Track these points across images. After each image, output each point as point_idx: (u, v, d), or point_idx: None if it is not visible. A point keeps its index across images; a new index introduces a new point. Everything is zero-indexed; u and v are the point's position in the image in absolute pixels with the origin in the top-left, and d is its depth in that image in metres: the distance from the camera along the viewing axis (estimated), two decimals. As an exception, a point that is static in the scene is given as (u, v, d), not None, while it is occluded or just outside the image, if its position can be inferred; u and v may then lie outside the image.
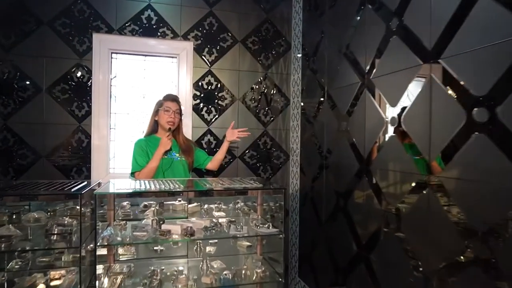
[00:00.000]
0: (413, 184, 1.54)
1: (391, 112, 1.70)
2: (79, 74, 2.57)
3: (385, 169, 1.75)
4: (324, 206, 2.42)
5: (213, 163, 2.56)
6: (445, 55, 1.36)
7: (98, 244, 1.62)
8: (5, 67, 2.44)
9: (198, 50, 2.80)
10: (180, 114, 2.43)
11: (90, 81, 2.58)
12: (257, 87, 2.95)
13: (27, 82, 2.47)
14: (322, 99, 2.46)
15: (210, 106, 2.84)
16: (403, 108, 1.61)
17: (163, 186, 1.87)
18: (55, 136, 2.53)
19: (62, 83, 2.54)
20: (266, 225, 1.95)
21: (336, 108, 2.26)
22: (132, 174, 2.33)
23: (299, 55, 2.86)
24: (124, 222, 1.95)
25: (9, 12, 2.43)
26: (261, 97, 2.96)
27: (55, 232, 1.65)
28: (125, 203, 2.19)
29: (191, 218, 2.07)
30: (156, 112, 2.38)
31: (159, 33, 2.71)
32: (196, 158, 2.51)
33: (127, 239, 1.75)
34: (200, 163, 2.55)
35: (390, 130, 1.71)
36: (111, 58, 2.66)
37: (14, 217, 2.06)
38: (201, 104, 2.82)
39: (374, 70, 1.85)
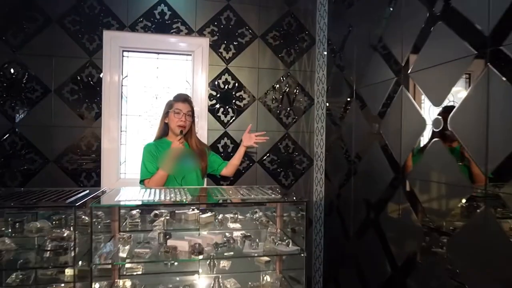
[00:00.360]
0: (463, 199, 1.27)
1: (433, 113, 1.43)
2: (88, 73, 2.43)
3: (426, 180, 1.47)
4: (352, 218, 2.15)
5: (228, 169, 2.34)
6: (509, 41, 1.08)
7: (93, 264, 1.44)
8: (13, 67, 2.33)
9: (214, 46, 2.61)
10: (193, 115, 2.23)
11: (100, 81, 2.44)
12: (278, 86, 2.72)
13: (36, 83, 2.36)
14: (349, 98, 2.20)
15: (227, 107, 2.64)
16: (450, 108, 1.34)
17: (172, 196, 1.68)
18: (64, 140, 2.41)
19: (72, 84, 2.41)
20: (286, 242, 1.72)
21: (366, 108, 2.00)
22: (142, 182, 2.15)
23: (325, 51, 2.61)
24: (128, 235, 1.77)
25: (18, 9, 2.32)
26: (283, 97, 2.73)
27: (48, 249, 1.49)
28: (134, 212, 2.01)
29: (203, 230, 1.87)
30: (166, 114, 2.18)
31: (173, 29, 2.53)
32: (210, 164, 2.31)
33: (128, 257, 1.57)
34: (215, 169, 2.34)
35: (433, 134, 1.44)
36: (122, 56, 2.51)
37: (17, 226, 1.93)
38: (218, 105, 2.62)
39: (412, 64, 1.58)
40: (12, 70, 2.33)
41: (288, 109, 2.73)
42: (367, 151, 1.99)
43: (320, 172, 2.65)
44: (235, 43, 2.63)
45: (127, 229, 1.91)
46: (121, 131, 2.51)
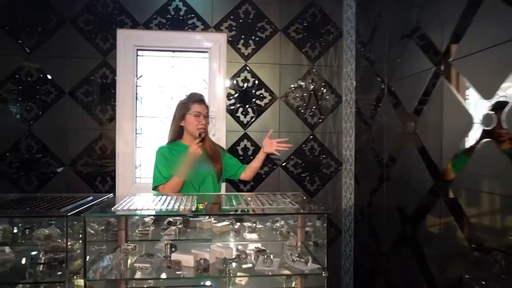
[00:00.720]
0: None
1: (483, 107, 1.17)
2: (102, 74, 2.34)
3: (474, 189, 1.21)
4: (384, 229, 1.90)
5: (247, 173, 2.15)
6: None
7: (87, 279, 1.30)
8: (28, 69, 2.29)
9: (232, 42, 2.44)
10: (208, 116, 2.07)
11: (114, 82, 2.35)
12: (302, 83, 2.50)
13: (50, 85, 2.30)
14: (381, 94, 1.95)
15: (246, 107, 2.46)
16: (504, 101, 1.07)
17: (183, 204, 1.51)
18: (78, 143, 2.33)
19: (85, 85, 2.34)
20: (305, 259, 1.50)
21: (400, 105, 1.74)
22: (155, 188, 2.01)
23: (353, 43, 2.36)
24: (134, 245, 1.63)
25: (31, 11, 2.28)
26: (307, 95, 2.51)
27: (42, 262, 1.37)
28: (147, 219, 1.89)
29: (217, 240, 1.70)
30: (182, 117, 2.02)
31: (188, 26, 2.40)
32: (227, 167, 2.13)
33: (127, 272, 1.42)
34: (233, 174, 2.16)
35: (483, 134, 1.17)
36: (137, 55, 2.41)
37: (27, 232, 1.86)
38: (237, 105, 2.45)
39: (455, 50, 1.32)
40: (27, 73, 2.29)
41: (314, 108, 2.51)
42: (402, 154, 1.73)
43: (350, 177, 2.40)
44: (254, 38, 2.45)
45: (137, 238, 1.78)
46: (136, 134, 2.40)
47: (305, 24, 2.49)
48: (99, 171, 2.35)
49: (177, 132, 2.05)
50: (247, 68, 2.45)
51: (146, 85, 2.45)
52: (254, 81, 2.46)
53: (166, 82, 2.46)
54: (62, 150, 2.32)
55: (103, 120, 2.35)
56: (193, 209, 1.44)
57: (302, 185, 2.49)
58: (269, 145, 2.11)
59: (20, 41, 2.28)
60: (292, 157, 2.48)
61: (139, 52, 2.42)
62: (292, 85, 2.49)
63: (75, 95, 2.32)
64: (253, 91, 2.46)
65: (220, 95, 2.42)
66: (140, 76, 2.43)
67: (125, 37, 2.35)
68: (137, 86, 2.41)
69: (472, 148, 1.22)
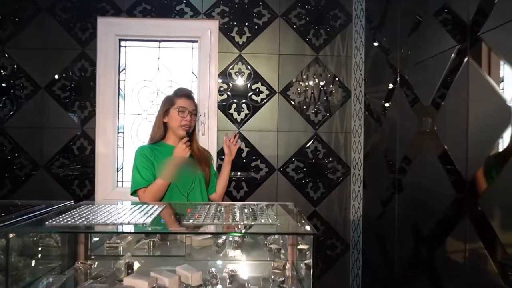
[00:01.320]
0: None
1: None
2: (81, 67, 2.12)
3: (513, 208, 0.88)
4: (396, 246, 1.57)
5: (218, 192, 1.93)
6: None
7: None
8: (3, 62, 2.10)
9: (225, 30, 2.16)
10: (196, 114, 1.81)
11: (94, 75, 2.12)
12: (304, 75, 2.19)
13: (25, 79, 2.11)
14: (393, 85, 1.62)
15: (241, 103, 2.17)
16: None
17: (147, 216, 1.25)
18: (55, 142, 2.12)
19: (63, 79, 2.12)
20: (289, 285, 1.21)
21: (414, 96, 1.41)
22: (135, 193, 1.75)
23: (363, 29, 2.03)
24: (89, 263, 1.38)
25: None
26: (310, 89, 2.20)
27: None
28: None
29: (192, 258, 1.42)
30: (165, 112, 1.78)
31: (176, 12, 2.14)
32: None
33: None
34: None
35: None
36: (119, 46, 2.17)
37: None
38: (230, 100, 2.17)
39: (487, 20, 0.98)
40: (0, 66, 2.10)
41: (318, 104, 2.19)
42: (416, 158, 1.40)
43: (358, 183, 2.07)
44: (250, 25, 2.17)
45: (105, 253, 1.53)
46: (118, 133, 2.17)
47: (308, 8, 2.18)
48: (77, 174, 2.12)
49: (161, 131, 1.79)
50: (242, 59, 2.17)
51: (129, 79, 2.20)
52: (249, 74, 2.17)
53: (151, 75, 2.21)
54: (37, 150, 2.11)
55: (81, 117, 2.13)
56: (146, 224, 1.17)
57: (304, 192, 2.18)
58: (228, 148, 1.96)
59: (-6, 32, 2.09)
60: (292, 159, 2.18)
61: (122, 43, 2.18)
62: (293, 78, 2.19)
63: (51, 90, 2.11)
64: (249, 85, 2.17)
65: (211, 89, 2.15)
66: (123, 69, 2.19)
67: (106, 26, 2.12)
68: (119, 80, 2.17)
69: (510, 150, 0.89)
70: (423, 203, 1.34)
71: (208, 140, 2.13)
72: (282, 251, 1.52)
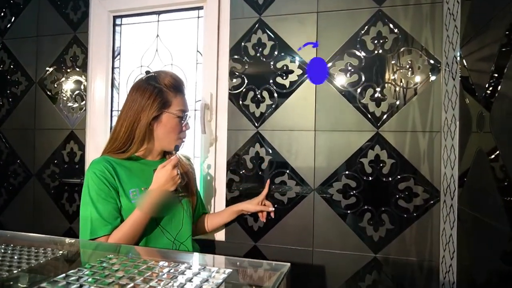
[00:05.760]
0: None
1: None
2: (73, 54, 1.75)
3: None
4: None
5: (205, 226, 1.37)
6: None
7: None
8: (1, 56, 1.87)
9: (239, -13, 1.52)
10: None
11: (86, 64, 1.72)
12: (358, 43, 1.38)
13: (21, 74, 1.83)
14: (506, 45, 0.74)
15: (261, 89, 1.49)
16: None
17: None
18: (46, 147, 1.79)
19: (55, 71, 1.78)
20: None
21: None
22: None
23: None
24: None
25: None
26: (368, 64, 1.37)
27: None
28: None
29: None
30: (156, 117, 1.13)
31: (176, -28, 1.59)
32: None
33: None
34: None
35: None
36: (114, 25, 1.73)
37: None
38: (244, 87, 1.51)
39: None
40: (-1, 60, 1.87)
41: (381, 87, 1.36)
42: None
43: (451, 217, 1.16)
44: (274, -26, 1.47)
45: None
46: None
47: None
48: (66, 185, 1.74)
49: (137, 139, 1.18)
50: (263, 24, 1.49)
51: (124, 67, 1.74)
52: (273, 46, 1.47)
53: (149, 60, 1.70)
54: (29, 156, 1.81)
55: (72, 116, 1.75)
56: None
57: (358, 228, 1.36)
58: (255, 204, 1.39)
59: (-4, 23, 1.88)
60: (339, 175, 1.38)
61: (117, 20, 1.73)
62: (340, 48, 1.40)
63: (43, 85, 1.79)
64: (272, 63, 1.47)
65: (221, 71, 1.52)
66: (118, 54, 1.74)
67: (99, 1, 1.70)
68: (113, 68, 1.73)
69: None
70: None
71: (216, 148, 1.51)
72: None
